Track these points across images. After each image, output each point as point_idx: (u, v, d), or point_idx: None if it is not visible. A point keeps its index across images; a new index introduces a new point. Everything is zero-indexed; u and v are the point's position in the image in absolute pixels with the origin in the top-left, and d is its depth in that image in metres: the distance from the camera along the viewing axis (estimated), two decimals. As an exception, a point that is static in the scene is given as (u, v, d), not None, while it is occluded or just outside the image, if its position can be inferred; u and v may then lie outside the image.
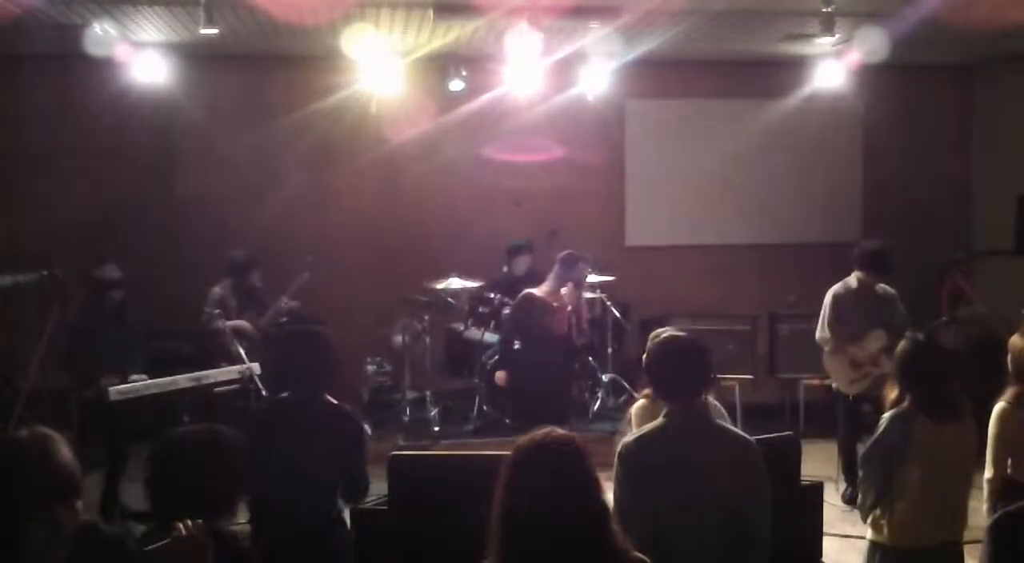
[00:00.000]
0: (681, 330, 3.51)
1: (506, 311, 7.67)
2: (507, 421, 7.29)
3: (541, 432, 2.35)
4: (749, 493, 3.08)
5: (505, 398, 6.28)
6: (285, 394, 3.93)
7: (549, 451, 2.31)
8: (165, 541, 2.35)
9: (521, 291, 7.39)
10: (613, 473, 3.13)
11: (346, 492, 3.84)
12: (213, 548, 2.40)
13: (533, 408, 5.93)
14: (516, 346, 6.63)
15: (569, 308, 6.55)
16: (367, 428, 4.10)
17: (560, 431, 2.37)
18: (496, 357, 7.59)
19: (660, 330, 4.26)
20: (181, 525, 2.37)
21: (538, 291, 6.20)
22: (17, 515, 2.26)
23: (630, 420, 4.39)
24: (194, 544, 2.36)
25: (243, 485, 2.72)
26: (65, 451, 2.39)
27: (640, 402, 4.42)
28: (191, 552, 2.36)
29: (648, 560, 2.38)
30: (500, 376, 6.03)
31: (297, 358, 3.86)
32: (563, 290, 6.84)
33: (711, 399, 3.72)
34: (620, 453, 3.14)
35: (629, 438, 3.20)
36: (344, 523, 3.92)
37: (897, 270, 6.46)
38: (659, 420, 3.21)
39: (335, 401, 3.84)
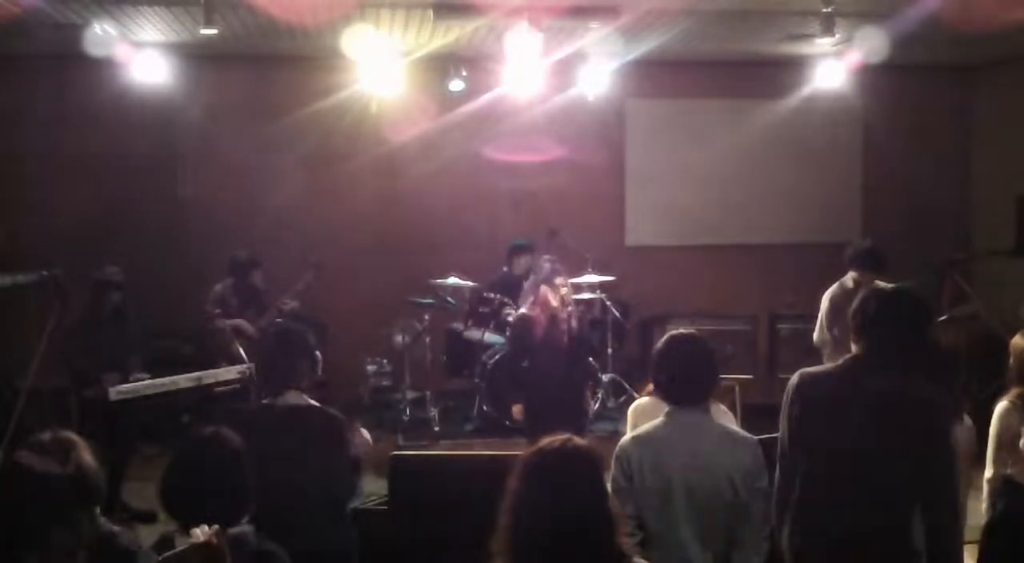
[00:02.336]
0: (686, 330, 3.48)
1: (506, 311, 7.67)
2: (507, 422, 7.28)
3: (559, 439, 2.35)
4: (749, 489, 3.08)
5: (522, 422, 6.28)
6: (266, 400, 3.90)
7: (564, 458, 2.31)
8: (182, 548, 2.34)
9: (521, 291, 7.37)
10: (611, 473, 3.13)
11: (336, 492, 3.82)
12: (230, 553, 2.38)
13: (549, 424, 5.84)
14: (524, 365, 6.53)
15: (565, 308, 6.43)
16: (366, 434, 4.04)
17: (577, 439, 2.38)
18: (496, 358, 7.59)
19: (676, 332, 4.22)
20: (198, 531, 2.36)
21: (527, 306, 6.17)
22: (39, 521, 2.22)
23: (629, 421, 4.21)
24: (211, 550, 2.34)
25: (252, 487, 2.72)
26: (88, 456, 2.36)
27: (640, 401, 4.27)
28: (208, 558, 2.34)
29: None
30: (517, 410, 6.04)
31: (273, 359, 3.86)
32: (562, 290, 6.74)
33: (718, 405, 3.68)
34: (616, 453, 3.14)
35: (626, 437, 3.20)
36: (347, 523, 3.91)
37: (896, 270, 6.45)
38: (659, 418, 3.20)
39: (312, 401, 3.80)
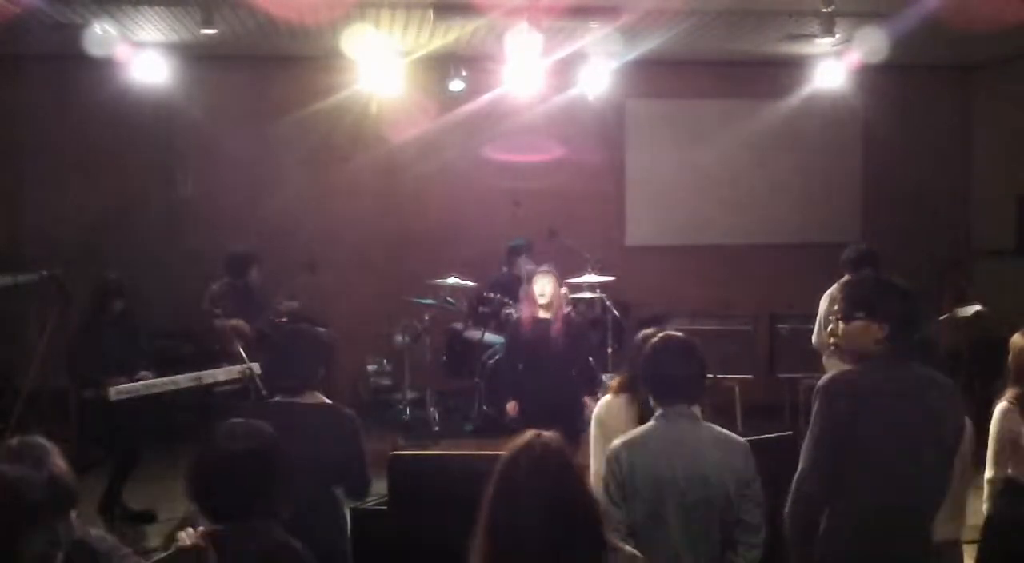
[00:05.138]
0: (677, 330, 3.46)
1: (507, 311, 7.67)
2: (506, 422, 7.27)
3: (528, 435, 2.35)
4: (741, 494, 3.07)
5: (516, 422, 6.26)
6: (276, 397, 3.89)
7: (536, 454, 2.30)
8: (168, 552, 2.32)
9: (520, 291, 7.37)
10: (602, 478, 3.11)
11: (349, 491, 3.82)
12: (215, 556, 2.36)
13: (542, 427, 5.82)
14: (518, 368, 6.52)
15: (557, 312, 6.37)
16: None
17: (546, 434, 2.36)
18: (492, 360, 7.58)
19: (649, 332, 4.19)
20: (183, 534, 2.34)
21: (521, 309, 6.18)
22: (13, 530, 2.17)
23: (593, 418, 4.03)
24: (197, 553, 2.33)
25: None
26: (59, 461, 2.31)
27: (605, 399, 4.05)
28: (194, 561, 2.33)
29: (639, 554, 2.37)
30: (512, 407, 6.03)
31: (287, 357, 3.85)
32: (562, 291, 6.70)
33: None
34: (607, 457, 3.11)
35: (617, 441, 3.16)
36: (345, 524, 3.90)
37: (897, 270, 6.44)
38: (650, 422, 3.17)
39: (327, 400, 3.80)
